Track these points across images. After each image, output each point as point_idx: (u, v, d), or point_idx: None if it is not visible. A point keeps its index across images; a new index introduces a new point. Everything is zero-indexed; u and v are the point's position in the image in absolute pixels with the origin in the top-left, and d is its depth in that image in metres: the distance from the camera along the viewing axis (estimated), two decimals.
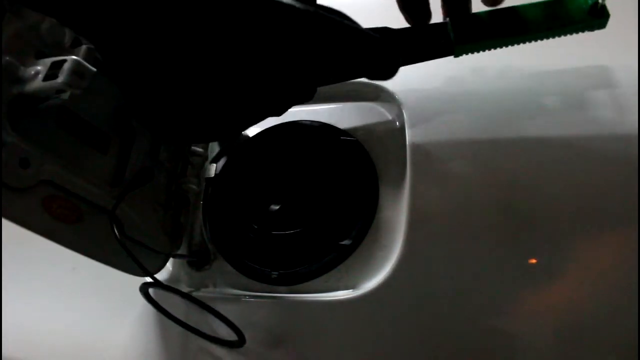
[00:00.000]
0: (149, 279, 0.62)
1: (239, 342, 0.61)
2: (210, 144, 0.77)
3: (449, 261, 0.58)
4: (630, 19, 0.62)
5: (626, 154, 0.54)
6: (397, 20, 0.59)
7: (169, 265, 0.72)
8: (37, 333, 0.75)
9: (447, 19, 0.58)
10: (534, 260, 0.55)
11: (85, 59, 0.49)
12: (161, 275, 0.71)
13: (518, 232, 0.56)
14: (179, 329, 0.64)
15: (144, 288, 0.63)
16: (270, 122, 0.74)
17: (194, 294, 0.69)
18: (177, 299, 0.63)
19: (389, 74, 0.59)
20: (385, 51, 0.57)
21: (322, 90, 0.60)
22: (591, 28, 0.56)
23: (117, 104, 0.61)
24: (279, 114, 0.56)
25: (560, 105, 0.59)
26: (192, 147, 0.73)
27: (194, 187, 0.71)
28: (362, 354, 0.60)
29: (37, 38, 0.50)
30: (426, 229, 0.59)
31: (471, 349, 0.56)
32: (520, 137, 0.58)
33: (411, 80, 0.66)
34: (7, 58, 0.47)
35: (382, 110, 0.70)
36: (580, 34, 0.57)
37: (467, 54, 0.58)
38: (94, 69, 0.49)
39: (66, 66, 0.46)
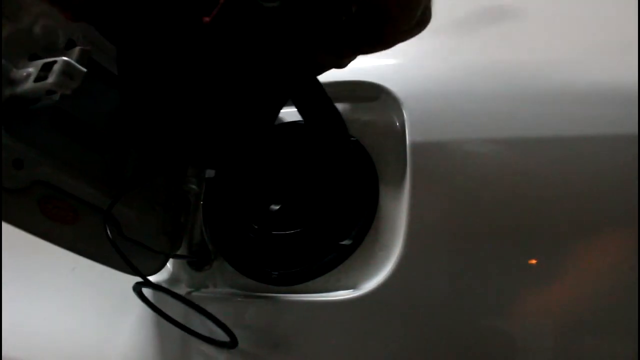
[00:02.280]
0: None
1: (232, 343, 0.61)
2: None
3: (449, 261, 0.58)
4: (630, 19, 0.61)
5: (626, 154, 0.54)
6: None
7: (169, 265, 0.72)
8: (36, 333, 0.76)
9: None
10: (534, 261, 0.55)
11: (78, 60, 0.49)
12: (161, 276, 0.72)
13: (518, 232, 0.56)
14: (177, 329, 0.64)
15: (137, 287, 0.63)
16: None
17: (194, 294, 0.69)
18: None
19: None
20: None
21: None
22: None
23: (114, 105, 0.61)
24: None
25: (561, 105, 0.59)
26: None
27: (194, 187, 0.71)
28: (361, 354, 0.60)
29: (31, 40, 0.50)
30: (426, 229, 0.59)
31: (471, 348, 0.56)
32: (521, 136, 0.58)
33: (411, 80, 0.65)
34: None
35: (382, 110, 0.69)
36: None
37: None
38: (84, 70, 0.49)
39: (56, 67, 0.46)
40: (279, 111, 0.55)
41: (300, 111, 0.64)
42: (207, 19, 0.42)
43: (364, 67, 0.67)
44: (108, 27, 0.46)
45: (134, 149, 0.62)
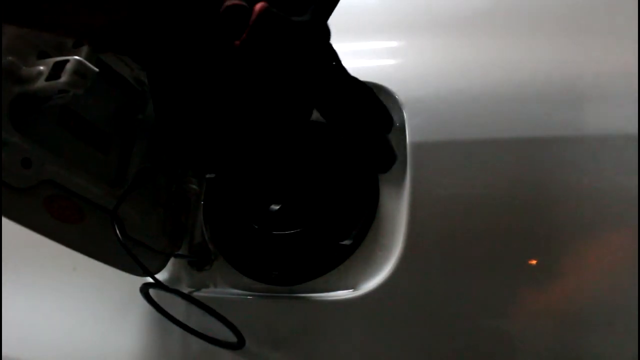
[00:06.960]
0: (149, 280, 0.62)
1: (239, 344, 0.61)
2: None
3: (449, 261, 0.58)
4: (630, 19, 0.62)
5: (626, 154, 0.55)
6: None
7: (169, 265, 0.72)
8: (36, 333, 0.75)
9: None
10: (533, 261, 0.56)
11: (87, 59, 0.49)
12: (162, 275, 0.71)
13: (518, 232, 0.57)
14: (180, 329, 0.64)
15: (144, 289, 0.63)
16: None
17: (195, 294, 0.69)
18: (178, 299, 0.63)
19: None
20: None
21: None
22: None
23: (119, 105, 0.61)
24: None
25: (560, 105, 0.59)
26: None
27: (194, 187, 0.71)
28: (361, 353, 0.60)
29: (40, 38, 0.50)
30: (426, 229, 0.59)
31: (471, 348, 0.57)
32: (520, 136, 0.59)
33: (411, 80, 0.66)
34: (9, 58, 0.47)
35: None
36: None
37: None
38: (96, 69, 0.49)
39: (68, 66, 0.46)
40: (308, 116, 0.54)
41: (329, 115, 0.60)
42: (237, 42, 0.42)
43: (364, 67, 0.68)
44: (134, 54, 0.45)
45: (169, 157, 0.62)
